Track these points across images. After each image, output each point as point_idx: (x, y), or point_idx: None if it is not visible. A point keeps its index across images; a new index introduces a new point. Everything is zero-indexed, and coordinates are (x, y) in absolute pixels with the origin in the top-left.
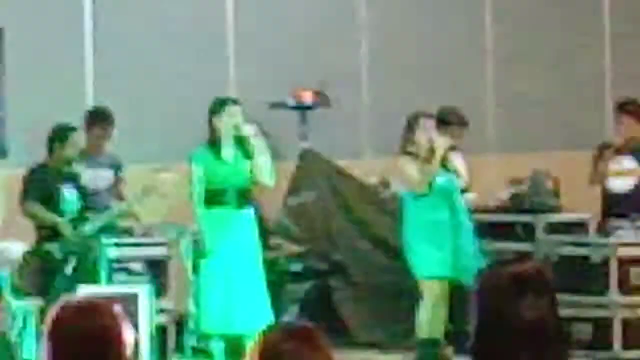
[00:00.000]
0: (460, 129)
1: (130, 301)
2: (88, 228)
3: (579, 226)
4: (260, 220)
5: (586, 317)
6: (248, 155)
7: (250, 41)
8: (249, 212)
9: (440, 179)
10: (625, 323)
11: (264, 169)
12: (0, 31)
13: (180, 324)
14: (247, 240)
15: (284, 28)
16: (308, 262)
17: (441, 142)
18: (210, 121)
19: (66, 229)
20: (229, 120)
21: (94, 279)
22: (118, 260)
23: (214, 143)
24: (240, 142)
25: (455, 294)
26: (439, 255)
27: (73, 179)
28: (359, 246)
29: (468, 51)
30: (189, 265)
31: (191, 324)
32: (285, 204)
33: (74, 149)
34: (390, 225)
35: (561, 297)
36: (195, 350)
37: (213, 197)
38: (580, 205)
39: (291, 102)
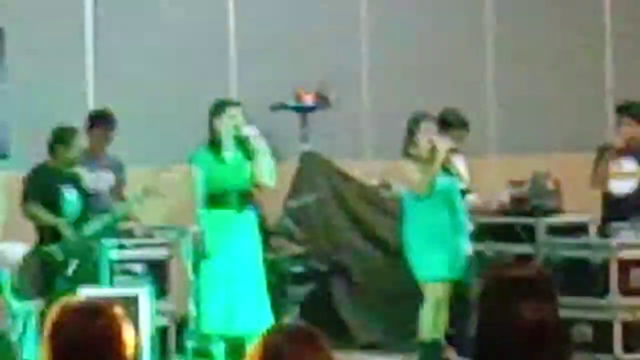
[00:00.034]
0: (461, 130)
1: (130, 302)
2: (89, 229)
3: (579, 228)
4: (261, 222)
5: (587, 319)
6: (249, 156)
7: (250, 42)
8: (250, 213)
9: (441, 181)
10: (626, 325)
11: (265, 170)
12: (0, 31)
13: (180, 325)
14: (248, 242)
15: (284, 29)
16: (309, 263)
17: (442, 145)
18: (210, 122)
19: (66, 229)
20: (230, 122)
21: (94, 281)
22: (119, 262)
23: (214, 144)
24: (241, 143)
25: (456, 295)
26: (439, 258)
27: (74, 180)
28: (360, 247)
29: (468, 51)
30: (189, 266)
31: (192, 325)
32: (286, 205)
33: (76, 151)
34: (390, 227)
35: (561, 299)
36: (196, 352)
37: (214, 199)
38: (581, 207)
39: (292, 103)
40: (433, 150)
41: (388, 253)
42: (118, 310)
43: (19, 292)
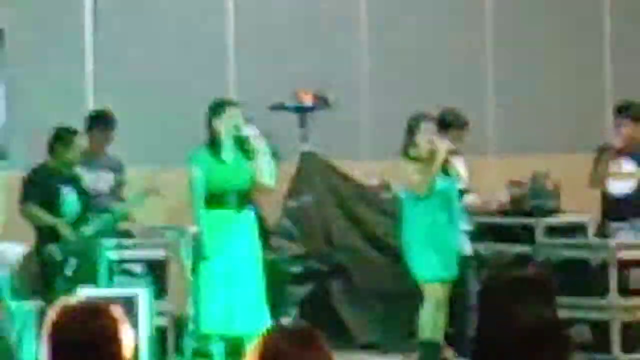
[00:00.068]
0: (460, 131)
1: (129, 303)
2: (88, 230)
3: (578, 228)
4: (261, 222)
5: (586, 319)
6: (248, 156)
7: (250, 42)
8: (249, 213)
9: (441, 182)
10: (625, 326)
11: (265, 170)
12: (0, 32)
13: (179, 325)
14: (247, 242)
15: (284, 29)
16: (308, 263)
17: (442, 146)
18: (209, 122)
19: (65, 229)
20: (229, 122)
21: (93, 281)
22: (118, 262)
23: (213, 144)
24: (241, 143)
25: (456, 296)
26: (438, 258)
27: (74, 180)
28: (359, 247)
29: (468, 52)
30: (188, 266)
31: (191, 326)
32: (285, 205)
33: (76, 151)
34: (390, 227)
35: (560, 299)
36: (195, 352)
37: (213, 199)
38: (580, 207)
39: (291, 103)
40: (433, 150)
41: (387, 253)
42: (117, 310)
43: (19, 292)
